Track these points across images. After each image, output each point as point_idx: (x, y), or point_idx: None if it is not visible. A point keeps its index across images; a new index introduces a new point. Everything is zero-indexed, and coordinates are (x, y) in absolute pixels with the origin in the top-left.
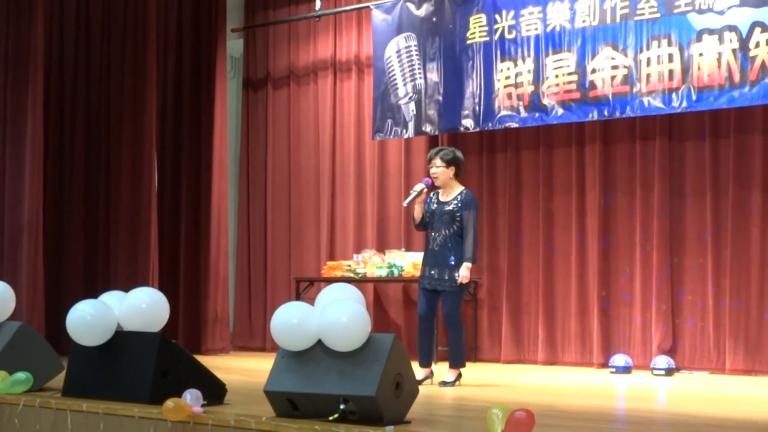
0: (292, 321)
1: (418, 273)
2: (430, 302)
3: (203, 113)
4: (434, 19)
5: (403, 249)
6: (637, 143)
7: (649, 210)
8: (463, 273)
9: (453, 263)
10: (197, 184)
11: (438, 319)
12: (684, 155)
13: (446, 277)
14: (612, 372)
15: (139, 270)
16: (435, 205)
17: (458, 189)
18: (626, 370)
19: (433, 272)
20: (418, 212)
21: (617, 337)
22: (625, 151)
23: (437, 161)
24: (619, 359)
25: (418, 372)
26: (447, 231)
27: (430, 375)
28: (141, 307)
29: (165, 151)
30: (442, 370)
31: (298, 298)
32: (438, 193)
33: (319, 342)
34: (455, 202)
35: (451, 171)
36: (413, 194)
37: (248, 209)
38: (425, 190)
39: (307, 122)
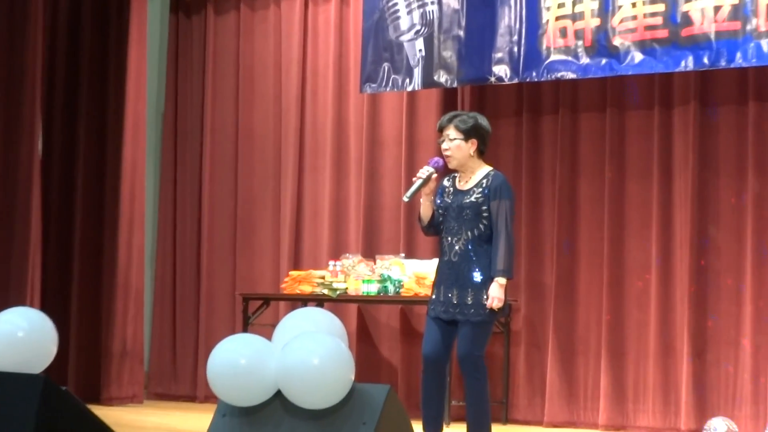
0: (239, 362)
1: (421, 290)
2: (444, 338)
3: (111, 48)
4: None
5: (402, 255)
6: (749, 106)
7: (766, 203)
8: (495, 293)
9: (480, 281)
10: (101, 154)
11: (452, 363)
12: None
13: (469, 301)
14: None
15: (12, 280)
16: (451, 197)
17: (483, 170)
18: None
19: (450, 295)
20: (426, 208)
21: (716, 392)
22: (732, 117)
23: (451, 131)
24: (718, 424)
25: None
26: (470, 233)
27: None
28: (16, 336)
29: (53, 104)
30: None
31: (245, 324)
32: (454, 178)
33: (278, 394)
34: (480, 190)
35: (471, 146)
36: (418, 182)
37: (174, 192)
38: (435, 175)
39: (265, 65)
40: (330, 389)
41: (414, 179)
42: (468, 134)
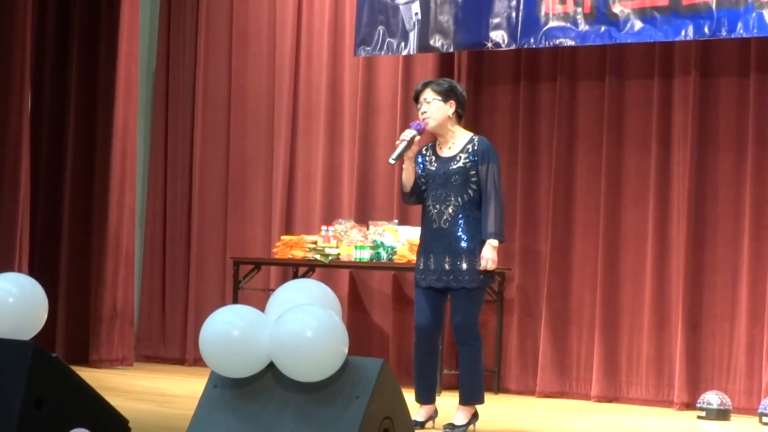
0: (232, 334)
1: (414, 257)
2: (436, 308)
3: (103, 7)
4: None
5: (396, 221)
6: (751, 77)
7: (765, 176)
8: (488, 255)
9: (472, 246)
10: (91, 114)
11: (444, 332)
12: None
13: (464, 267)
14: (701, 417)
15: (0, 240)
16: (434, 165)
17: (465, 136)
18: (722, 414)
19: (443, 262)
20: (408, 173)
21: (710, 365)
22: (733, 88)
23: (428, 94)
24: (711, 398)
25: (416, 410)
26: (460, 199)
27: (434, 414)
28: (6, 302)
29: (43, 64)
30: (449, 405)
31: (236, 288)
32: (433, 146)
33: (271, 366)
34: (466, 154)
35: (449, 107)
36: (403, 145)
37: (165, 154)
38: (417, 137)
39: (259, 25)
40: (323, 362)
41: (397, 142)
42: (446, 95)
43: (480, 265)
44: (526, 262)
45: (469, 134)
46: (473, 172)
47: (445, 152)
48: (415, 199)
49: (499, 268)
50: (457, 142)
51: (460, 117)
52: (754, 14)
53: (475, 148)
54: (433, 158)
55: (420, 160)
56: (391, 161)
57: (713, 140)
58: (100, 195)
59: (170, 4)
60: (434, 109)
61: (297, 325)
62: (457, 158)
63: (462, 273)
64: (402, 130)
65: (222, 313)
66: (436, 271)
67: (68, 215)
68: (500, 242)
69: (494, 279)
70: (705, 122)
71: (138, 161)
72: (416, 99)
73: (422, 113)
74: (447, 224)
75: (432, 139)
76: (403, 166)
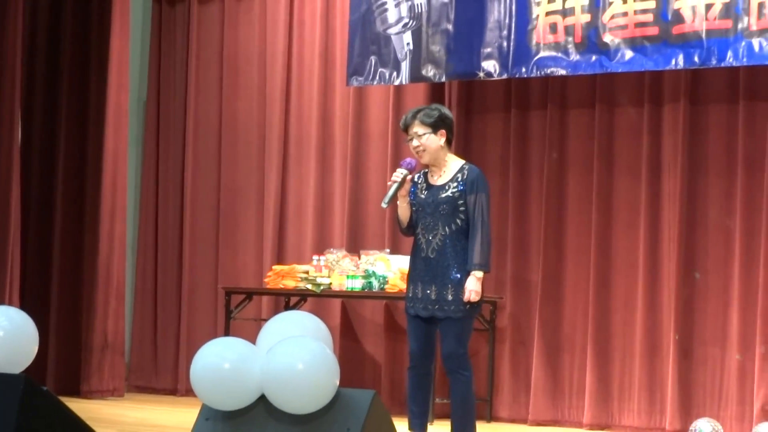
0: (223, 366)
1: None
2: (426, 336)
3: (93, 37)
4: None
5: (387, 250)
6: (740, 105)
7: (755, 203)
8: (472, 286)
9: (459, 277)
10: (82, 144)
11: (436, 361)
12: None
13: (449, 298)
14: None
15: None
16: (425, 192)
17: (456, 164)
18: None
19: (428, 291)
20: (404, 210)
21: (702, 391)
22: (722, 115)
23: (417, 127)
24: (703, 425)
25: None
26: (447, 229)
27: None
28: None
29: (34, 94)
30: None
31: (228, 318)
32: (426, 174)
33: (263, 399)
34: (456, 183)
35: (440, 137)
36: (394, 186)
37: (156, 184)
38: (409, 176)
39: (249, 56)
40: (314, 394)
41: (389, 183)
42: (436, 126)
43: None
44: (518, 290)
45: (460, 162)
46: (461, 201)
47: (437, 180)
48: (412, 231)
49: (490, 296)
50: (448, 170)
51: (450, 142)
52: (743, 43)
53: (465, 177)
54: (424, 186)
55: (412, 188)
56: (384, 205)
57: (703, 167)
58: (91, 225)
59: (161, 34)
60: (427, 143)
61: (288, 358)
62: (447, 187)
63: (448, 303)
64: (392, 158)
65: (213, 345)
66: (423, 300)
67: (59, 245)
68: (485, 273)
69: (480, 309)
70: (695, 149)
71: (129, 191)
72: (405, 130)
73: (414, 148)
74: (434, 253)
75: (425, 166)
76: (398, 203)
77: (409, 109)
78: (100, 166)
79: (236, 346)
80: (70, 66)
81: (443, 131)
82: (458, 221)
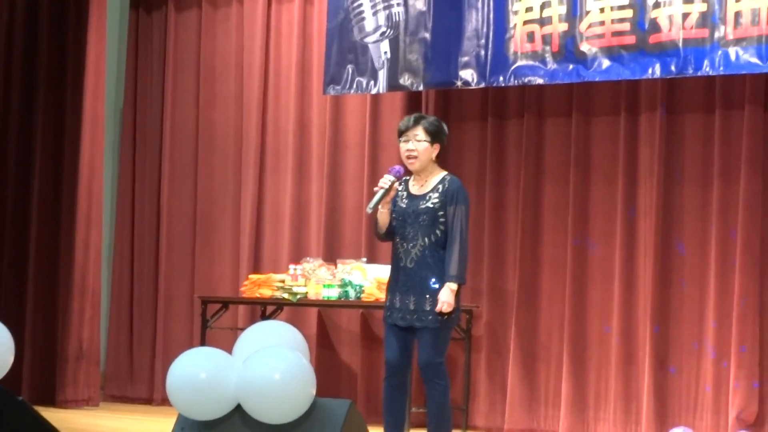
0: (199, 376)
1: (382, 295)
2: (403, 345)
3: (69, 44)
4: None
5: (364, 259)
6: (716, 114)
7: (731, 211)
8: (445, 297)
9: (438, 287)
10: (58, 151)
11: (413, 370)
12: None
13: (427, 308)
14: None
15: None
16: (405, 201)
17: (438, 175)
18: None
19: (407, 301)
20: (384, 216)
21: (677, 400)
22: (699, 124)
23: (419, 132)
24: None
25: None
26: (426, 239)
27: None
28: None
29: (9, 101)
30: None
31: (203, 328)
32: (407, 182)
33: (239, 409)
34: (436, 194)
35: (435, 150)
36: (380, 193)
37: (133, 192)
38: (396, 184)
39: (226, 64)
40: (291, 404)
41: (375, 189)
42: (434, 138)
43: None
44: (494, 299)
45: (442, 173)
46: (441, 213)
47: (417, 190)
48: (390, 237)
49: (466, 305)
50: (430, 180)
51: (439, 157)
52: (720, 52)
53: (446, 187)
54: (404, 194)
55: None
56: (368, 210)
57: (679, 176)
58: (67, 233)
59: (137, 43)
60: (422, 149)
61: (264, 368)
62: (427, 197)
63: (425, 313)
64: (369, 167)
65: (189, 355)
66: (401, 309)
67: (34, 253)
68: (460, 285)
69: (459, 319)
70: (671, 158)
71: (105, 199)
72: (404, 131)
73: (408, 150)
74: (413, 263)
75: (407, 174)
76: (380, 208)
77: (387, 118)
78: (76, 174)
79: (212, 356)
80: (46, 73)
81: (438, 145)
82: (437, 232)
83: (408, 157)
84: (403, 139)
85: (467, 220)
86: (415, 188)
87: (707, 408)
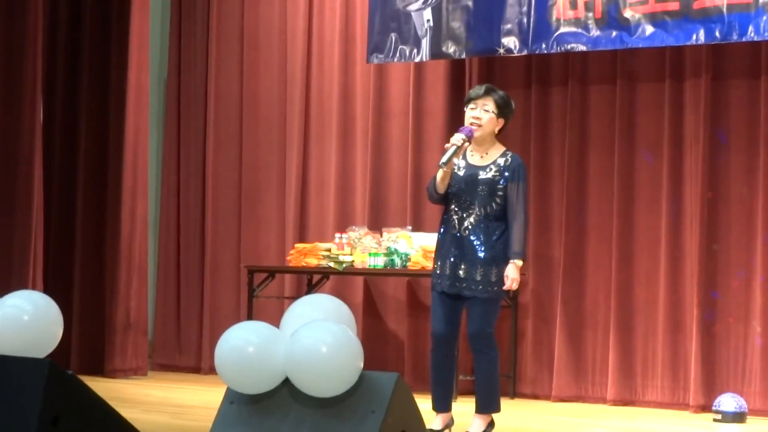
0: (247, 350)
1: (428, 263)
2: (451, 313)
3: (113, 15)
4: None
5: (410, 228)
6: (762, 79)
7: None
8: (513, 274)
9: (489, 257)
10: (103, 124)
11: (461, 338)
12: None
13: (478, 278)
14: (717, 419)
15: (15, 250)
16: (463, 170)
17: (498, 149)
18: (738, 417)
19: (457, 269)
20: (444, 176)
21: (725, 367)
22: (744, 91)
23: (488, 103)
24: (727, 401)
25: (432, 419)
26: (483, 209)
27: (450, 422)
28: (21, 320)
29: (55, 73)
30: (465, 412)
31: (250, 297)
32: (465, 152)
33: (287, 382)
34: (496, 168)
35: (499, 124)
36: (452, 149)
37: (178, 162)
38: (467, 144)
39: (270, 33)
40: (338, 377)
41: (447, 146)
42: (501, 112)
43: (495, 276)
44: (540, 266)
45: (502, 148)
46: (500, 186)
47: (477, 160)
48: (443, 200)
49: None
50: (491, 152)
51: (500, 132)
52: (765, 17)
53: (508, 163)
54: (463, 163)
55: None
56: (441, 165)
57: (725, 142)
58: (113, 205)
59: (181, 13)
60: (488, 119)
61: (312, 341)
62: (488, 169)
63: (476, 283)
64: (413, 135)
65: (237, 329)
66: (450, 277)
67: (81, 225)
68: (523, 261)
69: (509, 293)
70: (716, 124)
71: (150, 170)
72: (470, 100)
73: (474, 117)
74: (467, 232)
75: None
76: (444, 169)
77: (431, 86)
78: (121, 146)
79: (260, 330)
80: (90, 45)
81: (503, 120)
82: (494, 204)
83: (472, 124)
84: (470, 106)
85: (527, 197)
86: (474, 158)
87: (755, 374)
